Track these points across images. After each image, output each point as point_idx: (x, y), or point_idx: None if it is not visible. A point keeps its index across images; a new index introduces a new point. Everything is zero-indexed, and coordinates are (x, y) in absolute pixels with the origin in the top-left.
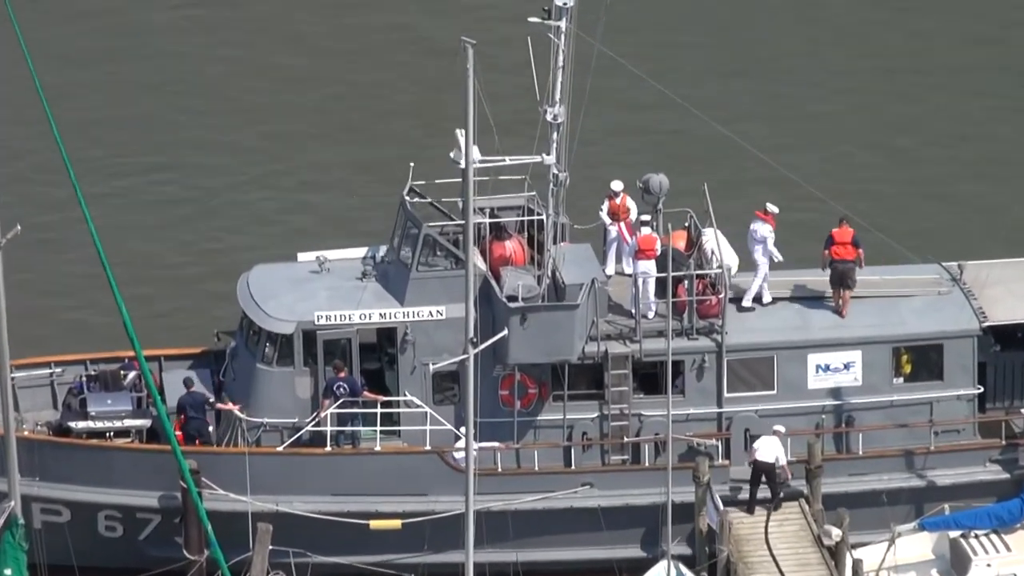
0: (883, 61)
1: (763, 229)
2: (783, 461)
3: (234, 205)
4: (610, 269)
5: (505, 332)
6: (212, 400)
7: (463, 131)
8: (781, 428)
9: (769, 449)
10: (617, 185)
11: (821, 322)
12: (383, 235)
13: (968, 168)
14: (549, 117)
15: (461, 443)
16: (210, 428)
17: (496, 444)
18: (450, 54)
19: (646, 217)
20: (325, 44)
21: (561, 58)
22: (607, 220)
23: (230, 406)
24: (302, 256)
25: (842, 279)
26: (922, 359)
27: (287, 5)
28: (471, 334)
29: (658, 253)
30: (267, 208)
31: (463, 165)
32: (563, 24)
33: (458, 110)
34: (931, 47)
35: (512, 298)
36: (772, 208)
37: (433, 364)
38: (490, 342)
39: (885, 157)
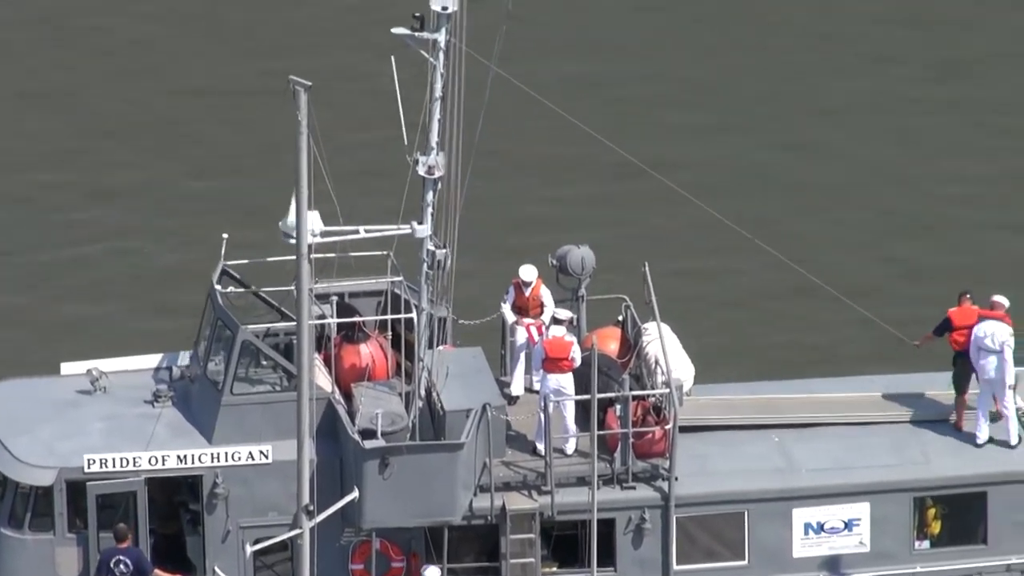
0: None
1: (1001, 331)
2: None
3: None
4: (517, 387)
5: (355, 495)
6: None
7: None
8: None
9: None
10: (529, 273)
11: (813, 461)
12: (185, 337)
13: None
14: (422, 170)
15: None
16: None
17: None
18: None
19: (562, 313)
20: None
21: (439, 86)
22: (511, 317)
23: None
24: (67, 368)
25: (971, 380)
26: (957, 514)
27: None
28: (305, 499)
29: (576, 363)
30: (14, 290)
31: (294, 240)
32: (441, 37)
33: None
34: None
35: (368, 433)
36: (1001, 300)
37: (251, 545)
38: (334, 508)
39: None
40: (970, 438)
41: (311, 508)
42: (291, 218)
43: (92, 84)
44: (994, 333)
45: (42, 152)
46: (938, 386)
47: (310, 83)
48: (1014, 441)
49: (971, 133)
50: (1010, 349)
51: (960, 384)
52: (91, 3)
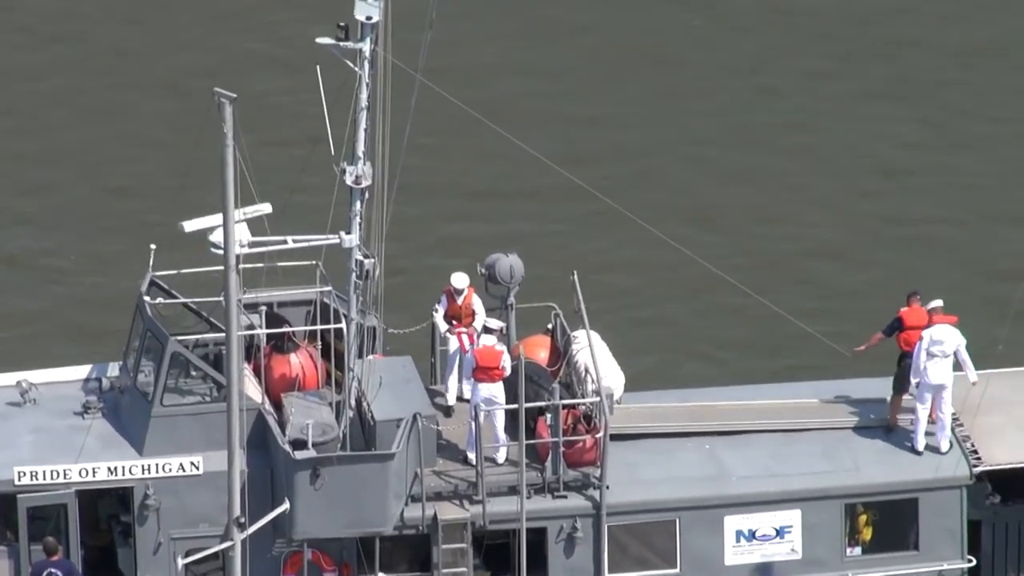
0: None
1: (955, 335)
2: None
3: None
4: (450, 397)
5: (286, 506)
6: None
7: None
8: None
9: None
10: (460, 280)
11: (744, 468)
12: (114, 349)
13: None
14: (349, 180)
15: None
16: None
17: None
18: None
19: (493, 323)
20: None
21: (365, 95)
22: (444, 326)
23: None
24: None
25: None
26: (888, 520)
27: None
28: (236, 511)
29: (507, 372)
30: None
31: (222, 251)
32: (366, 47)
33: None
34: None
35: (299, 444)
36: (940, 304)
37: (183, 557)
38: (264, 521)
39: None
40: (901, 444)
41: (242, 520)
42: (218, 232)
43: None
44: (948, 337)
45: None
46: (869, 392)
47: (235, 95)
48: (944, 448)
49: (887, 152)
50: (965, 351)
51: (900, 385)
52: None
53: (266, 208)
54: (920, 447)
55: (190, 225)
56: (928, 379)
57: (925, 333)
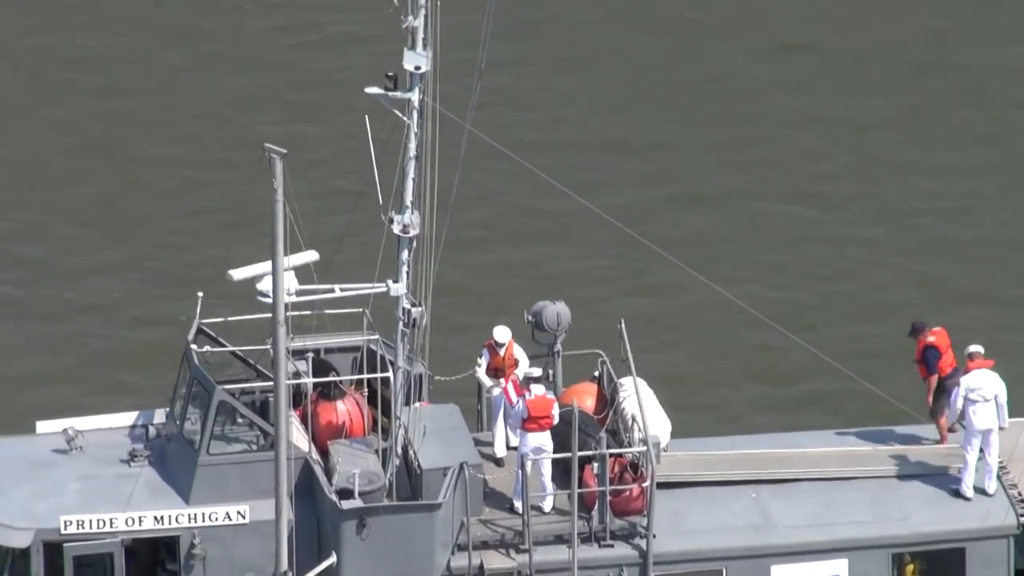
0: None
1: (994, 380)
2: None
3: None
4: (499, 447)
5: (333, 559)
6: None
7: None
8: None
9: None
10: (503, 334)
11: (790, 517)
12: (161, 395)
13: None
14: (396, 229)
15: None
16: None
17: None
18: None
19: (535, 371)
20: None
21: (413, 145)
22: (487, 381)
23: None
24: (43, 426)
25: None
26: (936, 570)
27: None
28: (284, 565)
29: (555, 421)
30: None
31: (271, 301)
32: (415, 96)
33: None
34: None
35: (346, 493)
36: (979, 349)
37: None
38: (312, 574)
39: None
40: (948, 492)
41: (289, 575)
42: (266, 281)
43: (46, 148)
44: (987, 383)
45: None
46: (916, 439)
47: (285, 151)
48: (992, 489)
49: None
50: (1005, 396)
51: (937, 410)
52: (50, 76)
53: (313, 256)
54: (969, 494)
55: (238, 273)
56: (975, 425)
57: (963, 380)
